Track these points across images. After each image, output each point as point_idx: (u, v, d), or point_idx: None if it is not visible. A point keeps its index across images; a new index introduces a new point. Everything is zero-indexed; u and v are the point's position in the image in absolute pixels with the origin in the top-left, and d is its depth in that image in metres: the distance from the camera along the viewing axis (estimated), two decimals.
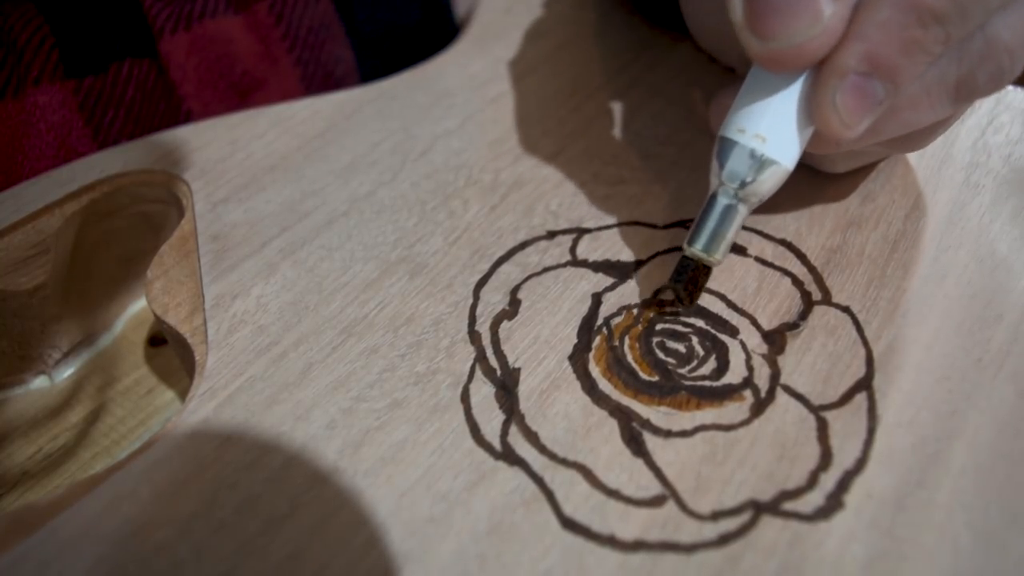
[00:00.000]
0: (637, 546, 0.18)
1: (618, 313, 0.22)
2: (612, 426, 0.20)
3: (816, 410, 0.20)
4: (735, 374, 0.21)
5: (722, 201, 0.21)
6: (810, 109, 0.20)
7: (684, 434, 0.20)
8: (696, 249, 0.21)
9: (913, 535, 0.18)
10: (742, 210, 0.21)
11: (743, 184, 0.20)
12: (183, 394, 0.27)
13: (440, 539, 0.18)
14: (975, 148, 0.27)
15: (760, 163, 0.20)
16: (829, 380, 0.21)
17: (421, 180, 0.27)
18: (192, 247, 0.25)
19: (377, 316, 0.23)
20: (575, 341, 0.22)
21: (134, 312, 0.29)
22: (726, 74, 0.31)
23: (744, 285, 0.23)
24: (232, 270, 0.24)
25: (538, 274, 0.24)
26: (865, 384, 0.21)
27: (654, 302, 0.23)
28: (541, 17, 0.34)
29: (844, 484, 0.19)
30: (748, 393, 0.21)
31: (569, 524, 0.18)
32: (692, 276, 0.22)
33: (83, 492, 0.19)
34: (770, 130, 0.20)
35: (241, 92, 0.33)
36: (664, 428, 0.20)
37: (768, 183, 0.20)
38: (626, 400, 0.20)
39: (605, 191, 0.26)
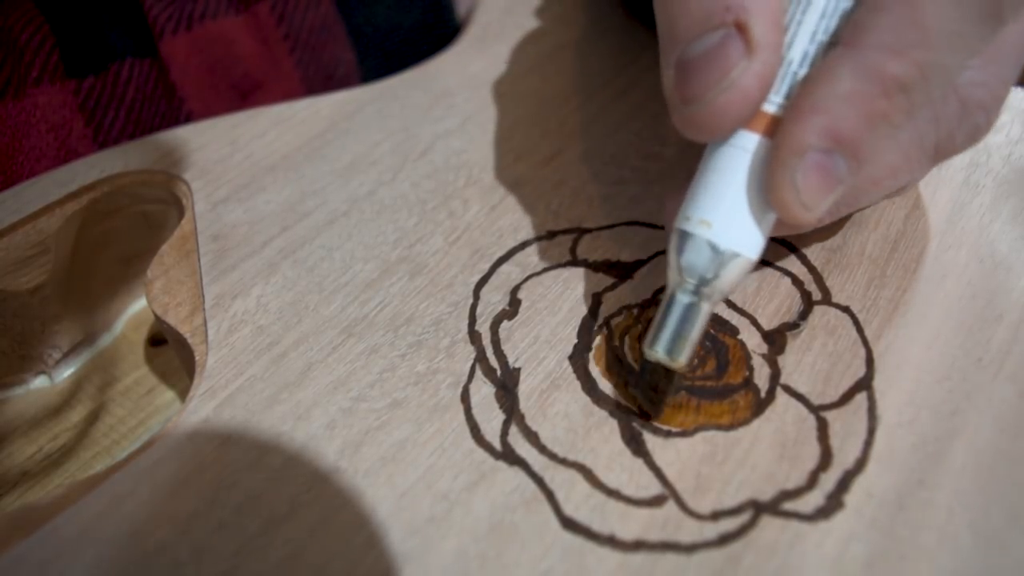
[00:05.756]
0: (637, 546, 0.18)
1: (618, 313, 0.22)
2: (612, 426, 0.20)
3: (816, 410, 0.20)
4: (735, 374, 0.21)
5: (682, 299, 0.19)
6: (766, 191, 0.18)
7: (684, 434, 0.20)
8: (658, 352, 0.19)
9: (913, 535, 0.18)
10: (705, 307, 0.19)
11: (703, 280, 0.18)
12: (183, 394, 0.27)
13: (440, 539, 0.18)
14: (975, 148, 0.27)
15: (718, 255, 0.18)
16: (829, 380, 0.21)
17: (421, 180, 0.27)
18: (192, 247, 0.25)
19: (377, 316, 0.23)
20: (575, 341, 0.22)
21: (134, 312, 0.29)
22: None
23: (744, 285, 0.23)
24: (232, 270, 0.24)
25: (538, 274, 0.24)
26: (865, 384, 0.21)
27: (654, 303, 0.23)
28: (541, 17, 0.34)
29: (844, 484, 0.19)
30: (748, 393, 0.21)
31: (569, 524, 0.18)
32: (651, 381, 0.20)
33: (83, 492, 0.19)
34: (724, 217, 0.18)
35: (242, 93, 0.33)
36: (664, 428, 0.20)
37: (728, 277, 0.18)
38: (626, 400, 0.20)
39: (605, 191, 0.26)
